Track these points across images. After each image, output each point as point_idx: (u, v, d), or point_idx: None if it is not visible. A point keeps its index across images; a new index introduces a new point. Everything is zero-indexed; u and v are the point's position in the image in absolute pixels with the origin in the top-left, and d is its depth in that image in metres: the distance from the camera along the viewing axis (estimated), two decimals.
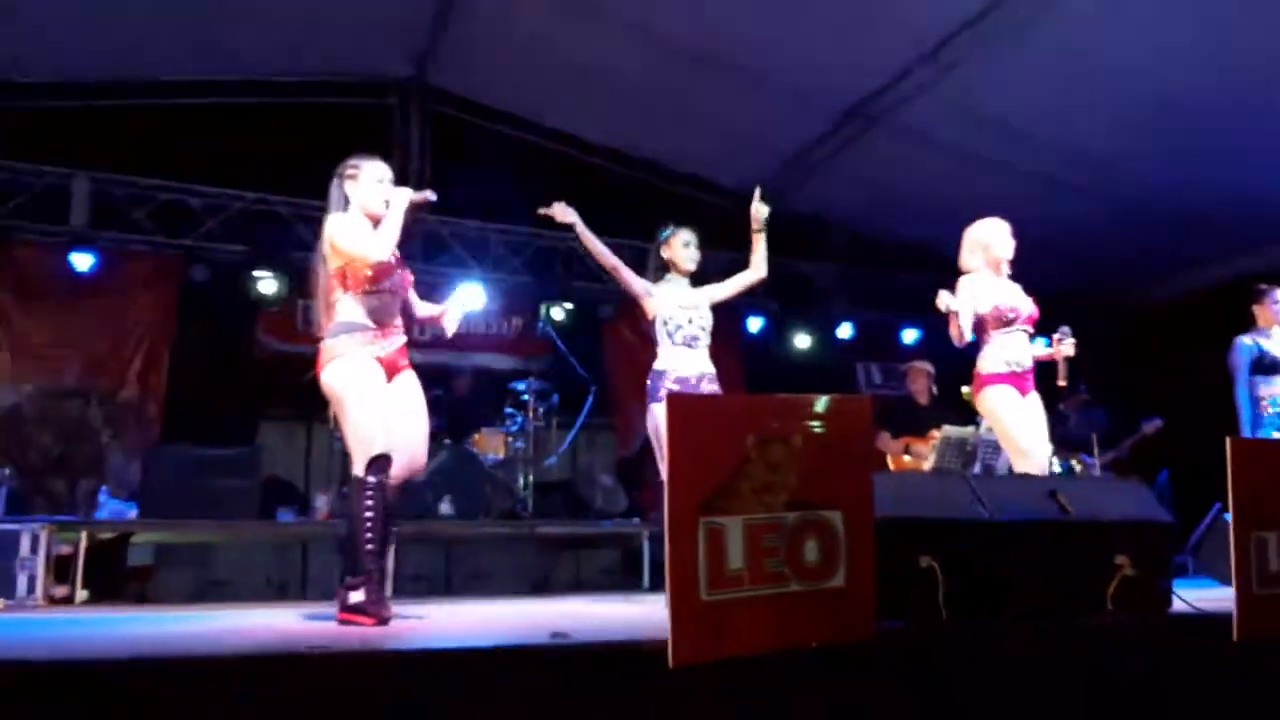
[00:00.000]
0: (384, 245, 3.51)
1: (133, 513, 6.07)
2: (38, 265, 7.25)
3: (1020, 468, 4.15)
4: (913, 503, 2.65)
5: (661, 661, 2.09)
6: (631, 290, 4.55)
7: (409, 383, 3.65)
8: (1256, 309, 5.39)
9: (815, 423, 2.36)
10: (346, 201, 3.63)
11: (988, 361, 4.32)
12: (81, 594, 5.56)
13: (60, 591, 5.48)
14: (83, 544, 5.66)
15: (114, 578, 6.21)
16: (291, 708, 1.89)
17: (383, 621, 3.28)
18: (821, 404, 2.38)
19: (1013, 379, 4.25)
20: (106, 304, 7.36)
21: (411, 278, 3.78)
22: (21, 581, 5.18)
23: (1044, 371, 4.47)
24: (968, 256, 4.50)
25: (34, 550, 5.22)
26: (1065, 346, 4.41)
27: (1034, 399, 4.30)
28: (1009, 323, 4.31)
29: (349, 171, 3.66)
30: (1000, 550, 2.67)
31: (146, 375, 7.42)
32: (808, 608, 2.33)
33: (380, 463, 3.42)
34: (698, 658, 2.14)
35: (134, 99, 7.50)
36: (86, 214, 7.34)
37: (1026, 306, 4.37)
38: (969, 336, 4.32)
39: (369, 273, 3.52)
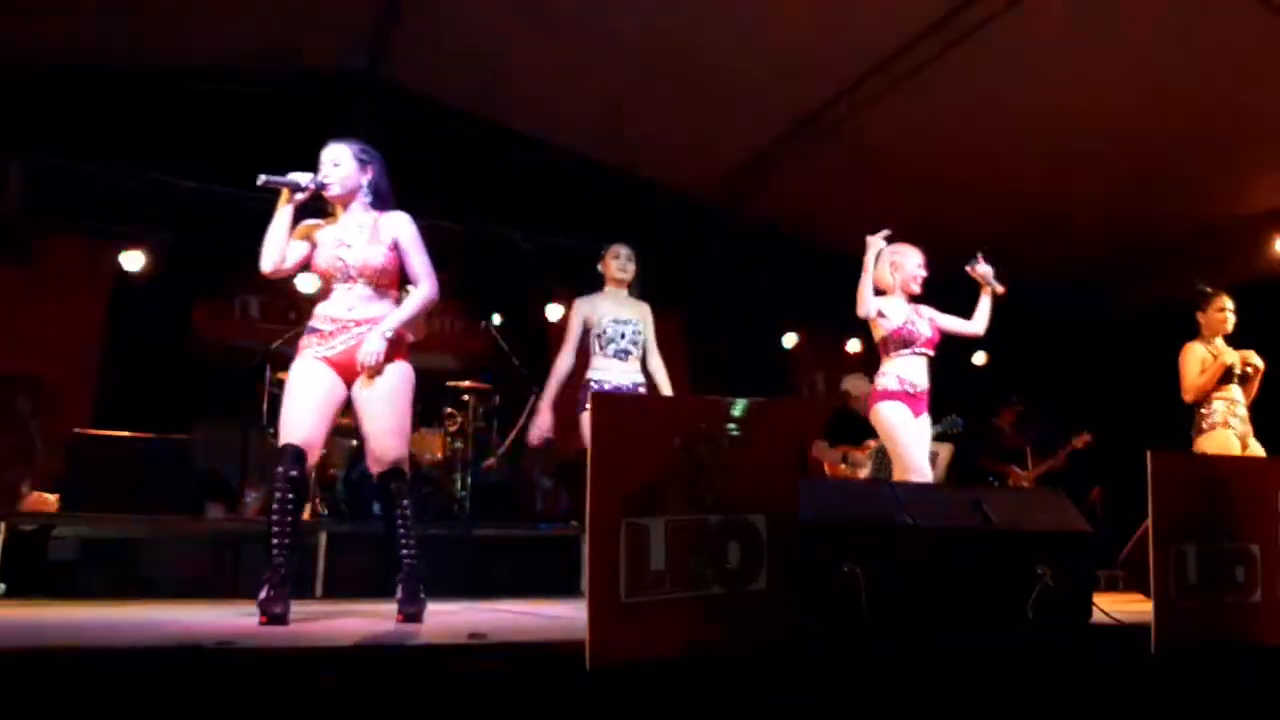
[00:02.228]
0: (263, 258, 3.47)
1: (55, 504, 5.88)
2: None
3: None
4: (837, 508, 2.65)
5: (579, 663, 2.06)
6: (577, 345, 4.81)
7: (368, 380, 3.53)
8: (1201, 317, 5.22)
9: (741, 425, 2.35)
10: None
11: (885, 379, 4.49)
12: None
13: None
14: (0, 536, 5.48)
15: (35, 572, 6.02)
16: (191, 704, 1.83)
17: (269, 620, 3.12)
18: (748, 407, 2.37)
19: (907, 398, 4.40)
20: (36, 289, 7.15)
21: (375, 265, 3.58)
22: None
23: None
24: (885, 272, 4.65)
25: None
26: (982, 269, 4.62)
27: (925, 421, 4.47)
28: (908, 344, 4.47)
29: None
30: (923, 557, 2.69)
31: (77, 364, 7.22)
32: (729, 611, 2.32)
33: (285, 453, 3.34)
34: (616, 659, 2.11)
35: (73, 82, 7.31)
36: (17, 199, 7.13)
37: (927, 330, 4.53)
38: (869, 309, 4.52)
39: (318, 276, 3.57)
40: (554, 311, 8.21)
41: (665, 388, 4.86)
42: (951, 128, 6.97)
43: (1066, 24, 5.81)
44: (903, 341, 4.48)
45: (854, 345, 9.40)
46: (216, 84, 7.73)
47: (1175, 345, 5.28)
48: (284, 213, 3.47)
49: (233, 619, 3.32)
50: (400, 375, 3.63)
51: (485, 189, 8.55)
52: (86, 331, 7.30)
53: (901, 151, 7.42)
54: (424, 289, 3.65)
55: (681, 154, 8.50)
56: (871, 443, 6.21)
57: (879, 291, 4.60)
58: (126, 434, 5.98)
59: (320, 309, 3.54)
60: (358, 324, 3.53)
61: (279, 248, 3.45)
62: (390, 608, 4.67)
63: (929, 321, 4.58)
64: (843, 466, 6.57)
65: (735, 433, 2.34)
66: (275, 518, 3.30)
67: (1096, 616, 3.02)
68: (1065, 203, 7.56)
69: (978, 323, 4.66)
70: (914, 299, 4.63)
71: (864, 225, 8.65)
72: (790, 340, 9.19)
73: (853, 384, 6.93)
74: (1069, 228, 7.79)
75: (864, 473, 6.25)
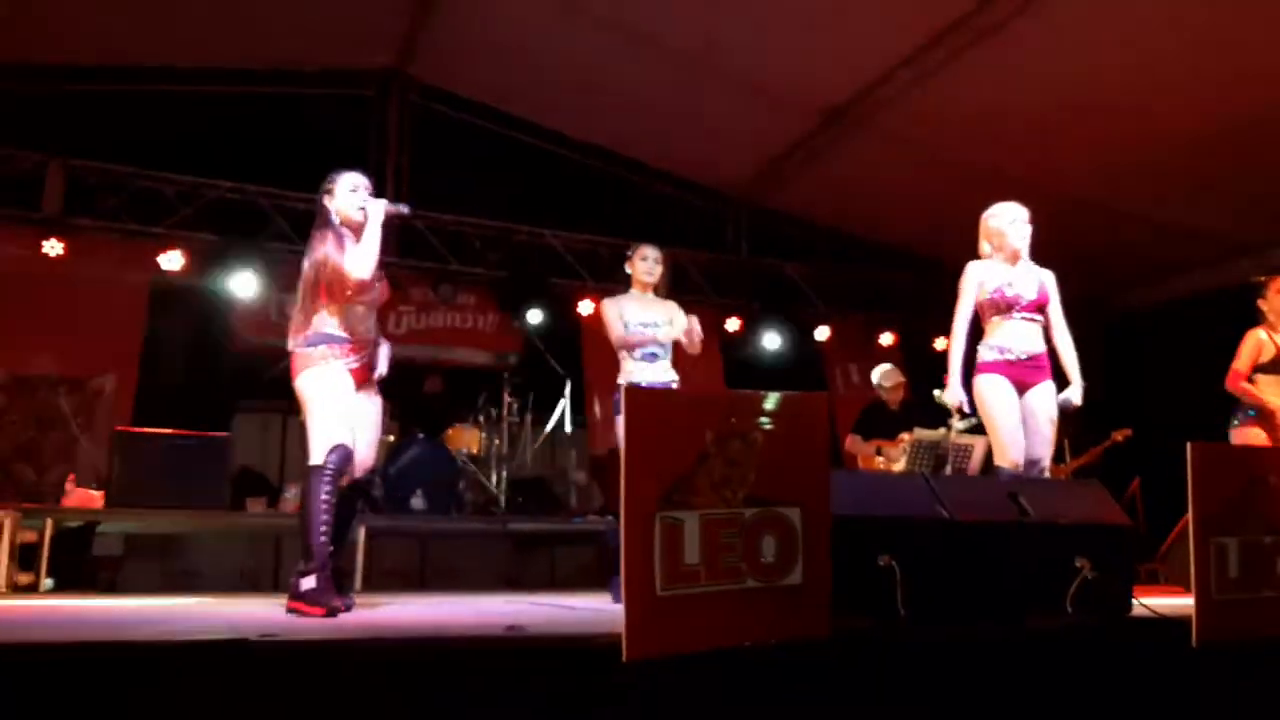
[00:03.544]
0: (364, 263, 3.55)
1: (100, 500, 6.00)
2: (9, 250, 7.16)
3: (996, 462, 4.02)
4: (871, 501, 2.64)
5: (615, 656, 2.08)
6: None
7: (371, 397, 3.72)
8: (1263, 304, 4.99)
9: (774, 419, 2.35)
10: (328, 216, 3.68)
11: (981, 349, 4.17)
12: (46, 582, 5.51)
13: (24, 579, 5.43)
14: (48, 531, 5.61)
15: (81, 567, 6.15)
16: (233, 694, 1.87)
17: (331, 612, 3.28)
18: (780, 401, 2.37)
19: (1005, 368, 4.08)
20: (79, 291, 7.26)
21: (387, 295, 3.87)
22: None
23: None
24: (982, 241, 4.33)
25: None
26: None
27: (1040, 392, 4.09)
28: (1006, 309, 4.14)
29: (326, 186, 3.74)
30: (959, 551, 2.67)
31: (118, 363, 7.34)
32: (764, 604, 2.32)
33: (339, 452, 3.47)
34: (652, 653, 2.13)
35: (110, 84, 7.43)
36: (59, 200, 7.26)
37: (1029, 293, 4.15)
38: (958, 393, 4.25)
39: (349, 290, 3.59)
40: (586, 307, 8.23)
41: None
42: (982, 118, 6.90)
43: (1098, 12, 5.74)
44: (996, 307, 4.14)
45: (886, 338, 9.35)
46: (251, 84, 7.84)
47: (1220, 335, 5.19)
48: (380, 226, 3.62)
49: (275, 612, 3.37)
50: (378, 403, 3.81)
51: (515, 186, 8.60)
52: (127, 331, 7.42)
53: (931, 143, 7.36)
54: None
55: (712, 149, 8.49)
56: (905, 436, 6.16)
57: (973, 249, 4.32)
58: (168, 431, 6.08)
59: (348, 325, 3.64)
60: (370, 342, 3.73)
61: (375, 255, 3.60)
62: (428, 600, 4.74)
63: (1036, 284, 4.17)
64: (877, 460, 6.54)
65: (767, 426, 2.34)
66: (323, 511, 3.40)
67: (1137, 610, 2.99)
68: (1102, 190, 7.46)
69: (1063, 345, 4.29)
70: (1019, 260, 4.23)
71: (894, 216, 8.67)
72: (822, 333, 9.15)
73: (883, 375, 6.88)
74: (1106, 215, 7.68)
75: (898, 466, 6.21)
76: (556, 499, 7.58)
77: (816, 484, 2.43)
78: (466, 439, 6.88)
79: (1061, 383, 4.23)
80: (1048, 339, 4.24)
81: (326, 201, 3.70)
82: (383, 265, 3.69)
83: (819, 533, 2.40)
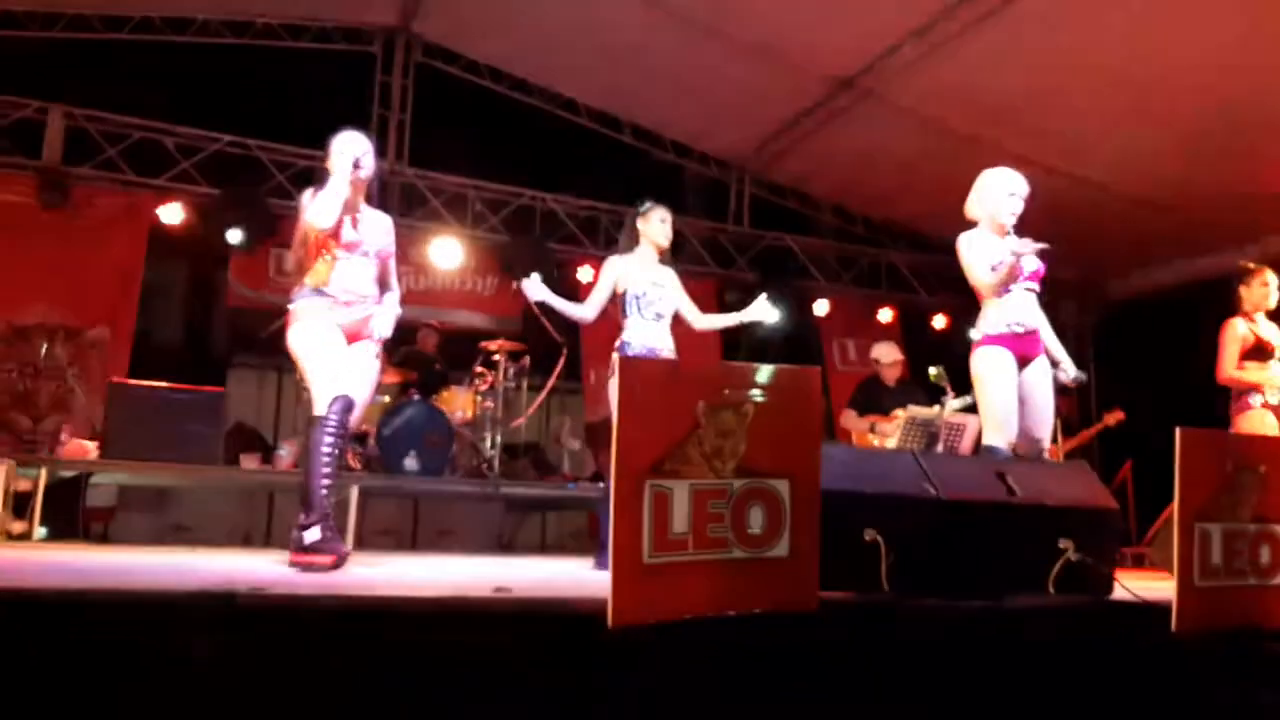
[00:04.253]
0: (320, 210, 3.58)
1: (94, 451, 6.01)
2: (7, 199, 7.13)
3: (990, 440, 3.88)
4: (860, 477, 2.66)
5: (601, 620, 2.10)
6: (605, 305, 4.58)
7: (364, 353, 3.75)
8: (1244, 291, 4.97)
9: (767, 391, 2.36)
10: (324, 177, 3.73)
11: (984, 322, 4.01)
12: (39, 531, 5.53)
13: (18, 527, 5.46)
14: (42, 481, 5.62)
15: (74, 517, 6.18)
16: (225, 647, 1.89)
17: (340, 559, 3.35)
18: (773, 373, 2.38)
19: (1011, 341, 3.93)
20: (76, 241, 7.26)
21: (391, 252, 3.91)
22: None
23: None
24: (972, 206, 4.14)
25: None
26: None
27: (1038, 367, 3.98)
28: (1012, 279, 3.95)
29: (328, 148, 3.78)
30: (945, 528, 2.69)
31: (114, 315, 7.33)
32: (750, 575, 2.34)
33: (341, 402, 3.52)
34: (637, 619, 2.15)
35: (113, 33, 7.37)
36: (59, 149, 7.22)
37: (1030, 263, 3.99)
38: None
39: (321, 242, 3.65)
40: (585, 273, 8.22)
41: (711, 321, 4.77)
42: (990, 93, 6.87)
43: None
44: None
45: (885, 315, 9.36)
46: (255, 37, 7.78)
47: (1217, 321, 5.16)
48: (346, 182, 3.65)
49: (267, 566, 3.40)
50: (376, 358, 3.84)
51: (517, 149, 8.56)
52: (124, 283, 7.41)
53: (938, 117, 7.33)
54: (396, 295, 3.94)
55: (717, 117, 8.45)
56: (899, 413, 6.18)
57: (969, 225, 4.12)
58: (163, 385, 6.09)
59: (336, 279, 3.68)
60: (364, 299, 3.75)
61: (340, 210, 3.63)
62: (420, 559, 4.78)
63: (1032, 255, 3.97)
64: (870, 436, 6.56)
65: (760, 398, 2.34)
66: (326, 461, 3.45)
67: (1119, 593, 3.02)
68: (1105, 172, 7.44)
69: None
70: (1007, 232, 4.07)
71: (898, 192, 8.63)
72: (821, 308, 9.15)
73: (882, 352, 6.88)
74: (1106, 197, 7.66)
75: (891, 443, 6.24)
76: (550, 464, 7.60)
77: (807, 457, 2.44)
78: (461, 402, 6.89)
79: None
80: None
81: (327, 163, 3.75)
82: (383, 206, 3.77)
83: (808, 506, 2.41)
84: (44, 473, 5.66)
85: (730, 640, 2.30)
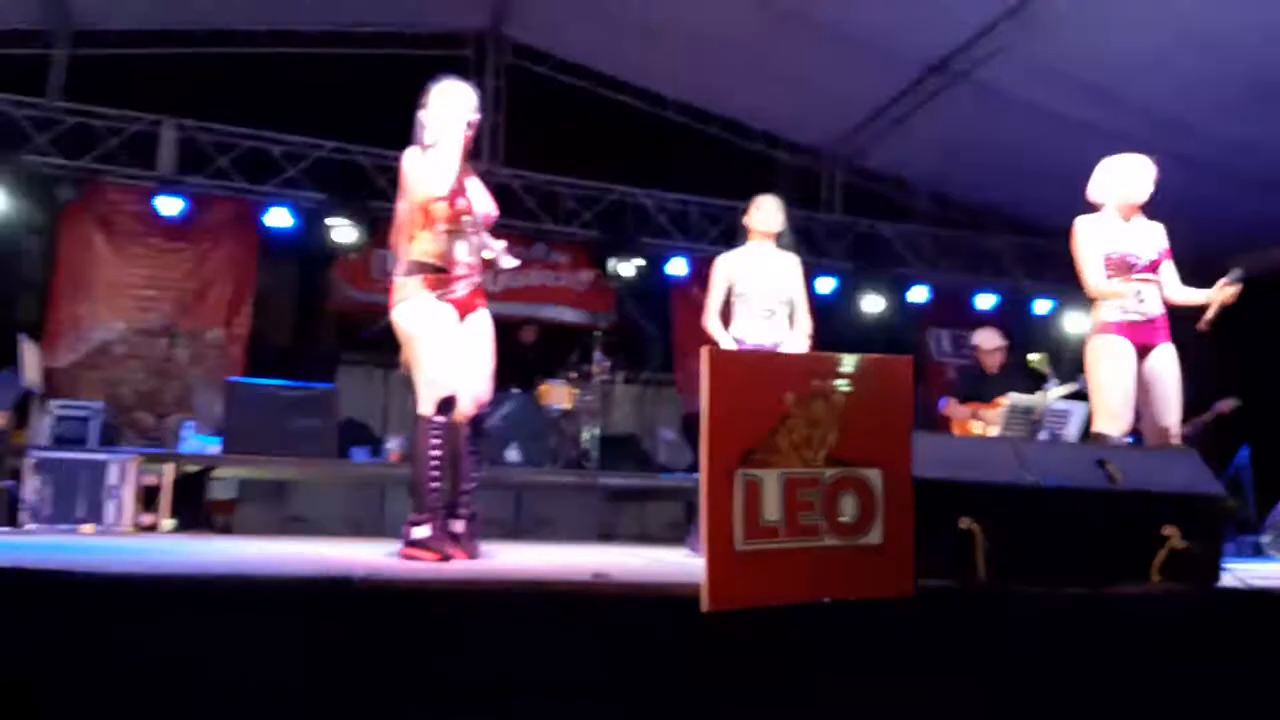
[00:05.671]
0: (438, 180, 3.41)
1: (216, 448, 6.34)
2: (127, 209, 7.55)
3: (1102, 429, 3.82)
4: (954, 465, 2.65)
5: (695, 606, 2.16)
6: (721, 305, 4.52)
7: (480, 322, 3.67)
8: None
9: (856, 381, 2.38)
10: (419, 133, 3.55)
11: (1101, 310, 3.95)
12: (167, 523, 5.86)
13: (147, 519, 5.79)
14: (168, 476, 5.96)
15: (199, 509, 6.52)
16: (338, 631, 2.01)
17: (445, 558, 3.35)
18: (862, 363, 2.40)
19: (1128, 329, 3.87)
20: (192, 247, 7.66)
21: (493, 215, 3.72)
22: (110, 509, 5.50)
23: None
24: (1097, 190, 4.08)
25: (122, 479, 5.53)
26: (1228, 291, 3.98)
27: (1161, 354, 3.91)
28: (1125, 269, 3.92)
29: (423, 99, 3.55)
30: (1042, 516, 2.67)
31: (230, 316, 7.71)
32: (842, 562, 2.37)
33: (447, 404, 3.50)
34: (731, 604, 2.20)
35: (218, 47, 7.72)
36: (173, 160, 7.61)
37: (1149, 253, 3.95)
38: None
39: (444, 211, 3.47)
40: (676, 267, 8.28)
41: (801, 342, 4.58)
42: (1091, 69, 6.66)
43: None
44: (1115, 267, 3.90)
45: (985, 301, 9.17)
46: (352, 46, 8.05)
47: None
48: (460, 148, 3.46)
49: (378, 555, 3.54)
50: (490, 322, 3.72)
51: (608, 145, 8.65)
52: (239, 285, 7.78)
53: (1034, 98, 7.14)
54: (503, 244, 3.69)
55: (807, 105, 8.40)
56: (1001, 400, 6.07)
57: (1094, 208, 4.06)
58: (278, 382, 6.38)
59: (447, 251, 3.51)
60: (474, 270, 3.62)
61: (454, 177, 3.45)
62: (522, 547, 4.91)
63: (1153, 241, 3.96)
64: (972, 425, 6.45)
65: (849, 388, 2.37)
66: (435, 462, 3.46)
67: (1227, 581, 2.94)
68: (1218, 149, 7.14)
69: (1185, 295, 4.06)
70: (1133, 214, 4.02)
71: (995, 175, 8.43)
72: (918, 295, 9.02)
73: (983, 338, 6.75)
74: (1218, 176, 7.35)
75: (994, 431, 6.13)
76: (646, 456, 7.69)
77: (898, 446, 2.46)
78: (558, 395, 7.03)
79: (1180, 347, 4.01)
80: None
81: (421, 115, 3.54)
82: (463, 185, 3.50)
83: (900, 494, 2.43)
84: (170, 468, 6.00)
85: (821, 626, 2.33)
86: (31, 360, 5.81)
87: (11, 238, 7.48)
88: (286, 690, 1.76)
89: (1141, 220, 4.06)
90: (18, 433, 5.59)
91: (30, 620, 1.93)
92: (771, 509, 2.27)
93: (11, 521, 5.33)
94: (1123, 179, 4.01)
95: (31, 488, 5.45)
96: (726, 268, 4.52)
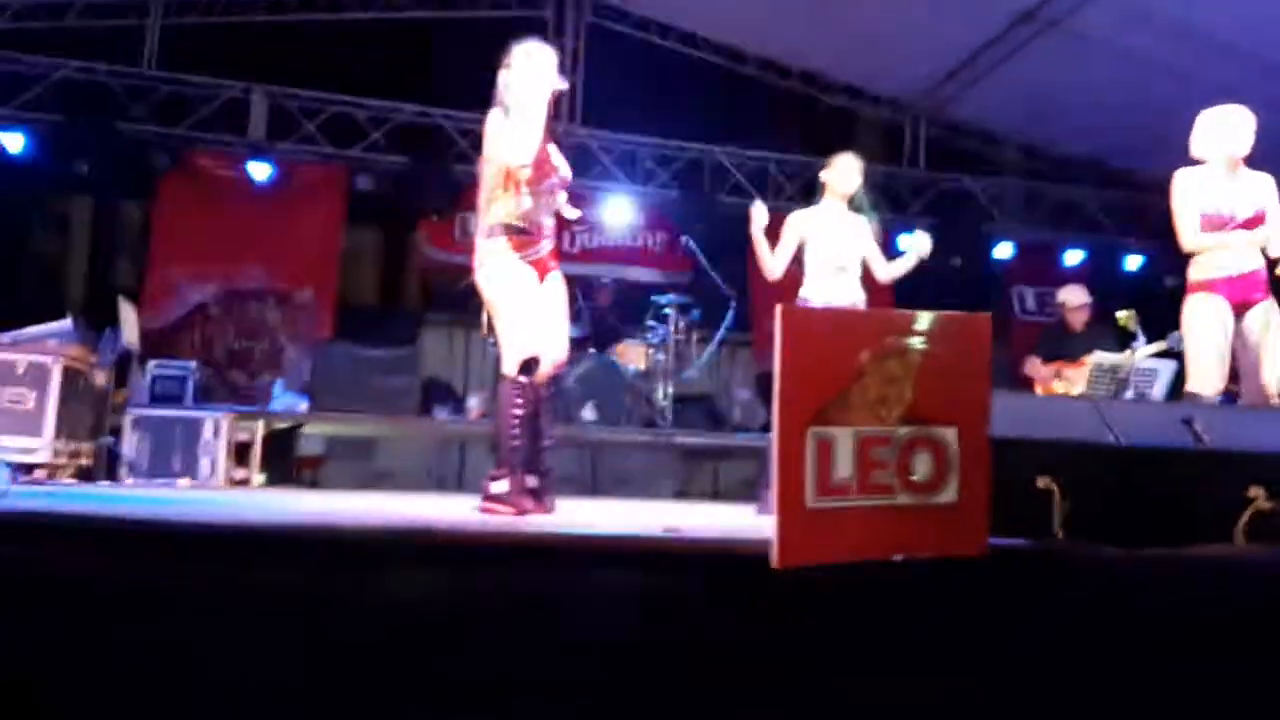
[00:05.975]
0: (522, 148, 3.45)
1: (304, 405, 6.56)
2: (219, 174, 7.79)
3: (1195, 388, 3.76)
4: (1033, 423, 2.61)
5: (765, 562, 2.18)
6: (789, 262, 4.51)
7: (555, 284, 3.73)
8: None
9: (932, 339, 2.35)
10: (500, 95, 3.55)
11: (1196, 267, 3.90)
12: (259, 477, 6.10)
13: (240, 474, 6.04)
14: (260, 432, 6.19)
15: (288, 464, 6.77)
16: (419, 580, 2.09)
17: (522, 512, 3.45)
18: (939, 320, 2.37)
19: (1223, 285, 3.81)
20: (281, 211, 7.87)
21: (569, 178, 3.78)
22: (205, 464, 5.75)
23: None
24: (1199, 144, 3.98)
25: (216, 436, 5.76)
26: None
27: (1261, 311, 3.82)
28: (1221, 224, 3.85)
29: (505, 61, 3.56)
30: (1123, 476, 2.62)
31: (318, 278, 7.92)
32: (916, 520, 2.36)
33: (530, 364, 3.57)
34: (802, 560, 2.22)
35: (305, 13, 7.87)
36: (264, 126, 7.80)
37: (1245, 209, 3.85)
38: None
39: (527, 174, 3.51)
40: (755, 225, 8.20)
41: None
42: (1187, 14, 6.37)
43: None
44: (1211, 222, 3.85)
45: (1073, 256, 8.91)
46: (433, 9, 8.11)
47: None
48: (545, 114, 3.48)
49: (463, 510, 3.64)
50: (564, 283, 3.78)
51: (684, 102, 8.59)
52: (326, 248, 7.99)
53: (1128, 43, 6.86)
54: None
55: (890, 56, 8.20)
56: (1087, 359, 5.91)
57: (1194, 162, 3.97)
58: (363, 343, 6.56)
59: (529, 213, 3.56)
60: (552, 231, 3.69)
61: (534, 139, 3.48)
62: (598, 503, 4.99)
63: (1254, 195, 3.88)
64: (1056, 384, 6.31)
65: (925, 346, 2.34)
66: (516, 421, 3.54)
67: None
68: None
69: None
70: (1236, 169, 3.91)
71: (1085, 126, 8.14)
72: (1004, 251, 8.80)
73: (1069, 294, 6.57)
74: None
75: (1079, 390, 5.98)
76: (721, 415, 7.70)
77: (976, 405, 2.43)
78: (634, 355, 7.07)
79: None
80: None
81: (503, 76, 3.54)
82: (545, 148, 3.54)
83: (976, 453, 2.40)
84: (261, 425, 6.23)
85: (894, 583, 2.33)
86: (130, 321, 6.07)
87: (111, 204, 7.79)
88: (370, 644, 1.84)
89: (1246, 173, 3.95)
90: (117, 391, 5.85)
91: (33, 620, 2.04)
92: (844, 467, 2.27)
93: (111, 476, 5.60)
94: (1223, 131, 3.91)
95: (130, 444, 5.71)
96: (799, 224, 4.50)
